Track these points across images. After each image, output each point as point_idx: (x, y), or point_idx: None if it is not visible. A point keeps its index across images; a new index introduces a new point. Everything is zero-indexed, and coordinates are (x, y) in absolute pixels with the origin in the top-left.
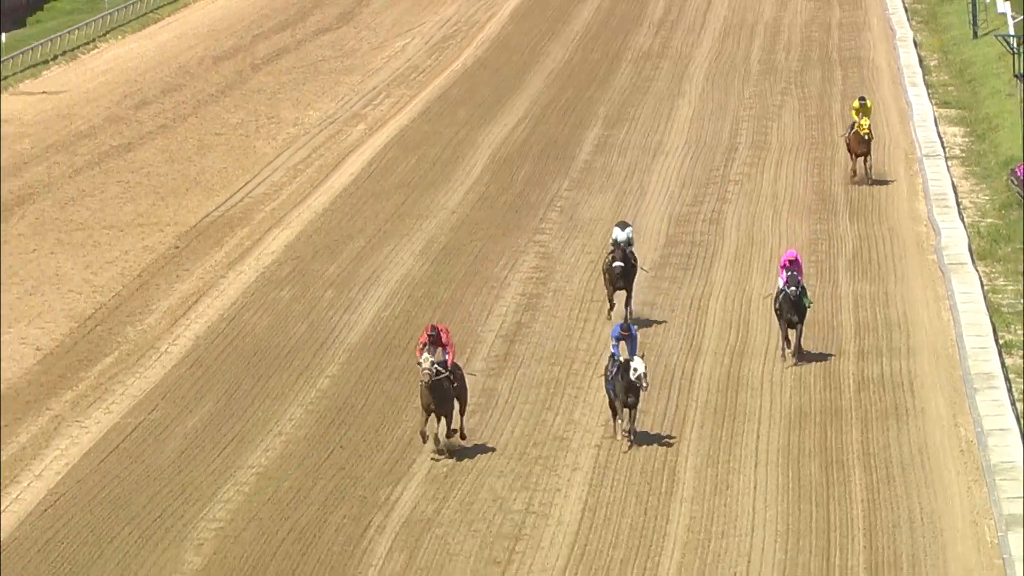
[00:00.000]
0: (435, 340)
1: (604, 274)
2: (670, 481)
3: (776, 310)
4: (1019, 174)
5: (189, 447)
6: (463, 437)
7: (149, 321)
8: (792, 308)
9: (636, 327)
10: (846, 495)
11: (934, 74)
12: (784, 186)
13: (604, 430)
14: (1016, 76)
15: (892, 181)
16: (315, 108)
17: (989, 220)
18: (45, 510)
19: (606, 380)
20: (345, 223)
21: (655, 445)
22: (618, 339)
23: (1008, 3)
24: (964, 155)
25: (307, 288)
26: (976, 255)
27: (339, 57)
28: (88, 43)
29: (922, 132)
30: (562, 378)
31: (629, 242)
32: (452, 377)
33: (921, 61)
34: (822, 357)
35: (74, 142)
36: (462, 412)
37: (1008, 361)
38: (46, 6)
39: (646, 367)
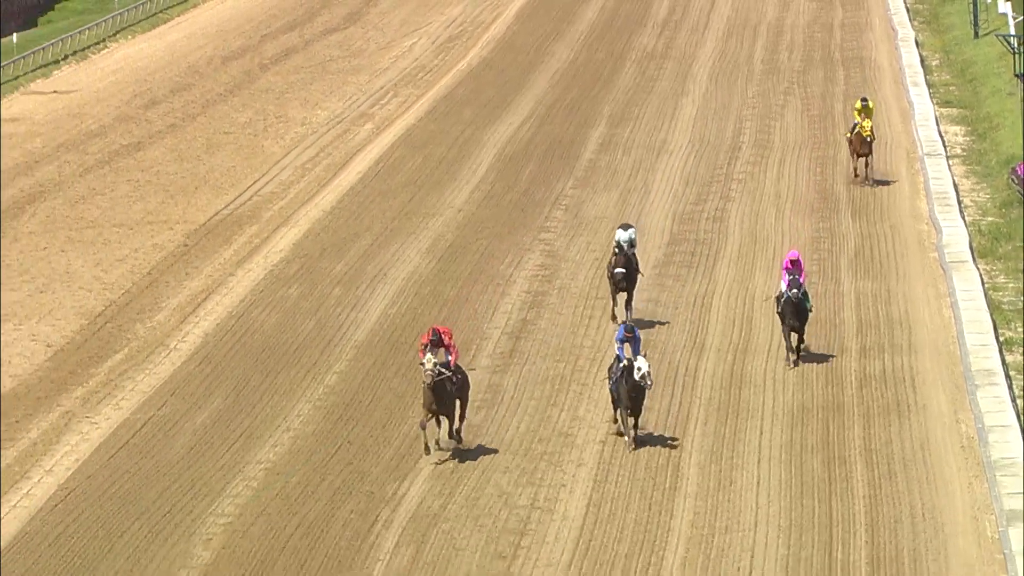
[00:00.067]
0: (436, 342)
1: (608, 277)
2: (674, 477)
3: (779, 313)
4: (1019, 173)
5: (198, 443)
6: (459, 441)
7: (159, 318)
8: (794, 313)
9: (638, 329)
10: (848, 491)
11: (935, 74)
12: (787, 185)
13: (609, 426)
14: (1017, 75)
15: (894, 180)
16: (323, 107)
17: (990, 218)
18: (56, 505)
19: (610, 380)
20: (352, 221)
21: (659, 441)
22: (622, 341)
23: (1009, 3)
24: (965, 154)
25: (315, 286)
26: (977, 253)
27: (347, 57)
28: (98, 43)
29: (923, 131)
30: (567, 375)
31: (631, 243)
32: (454, 378)
33: (923, 61)
34: (824, 354)
35: (84, 141)
36: (462, 415)
37: (1008, 358)
38: (57, 6)
39: (650, 366)
